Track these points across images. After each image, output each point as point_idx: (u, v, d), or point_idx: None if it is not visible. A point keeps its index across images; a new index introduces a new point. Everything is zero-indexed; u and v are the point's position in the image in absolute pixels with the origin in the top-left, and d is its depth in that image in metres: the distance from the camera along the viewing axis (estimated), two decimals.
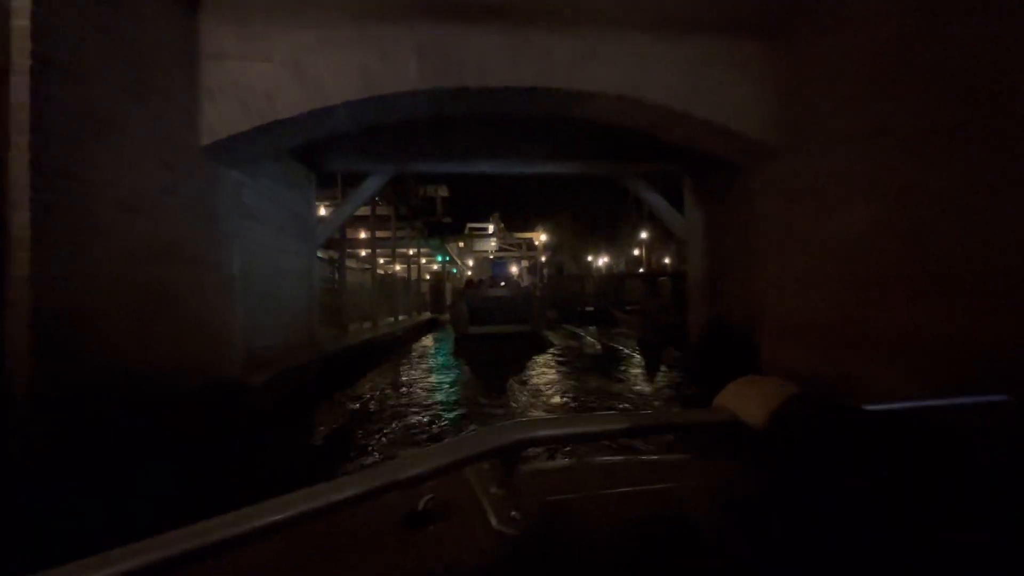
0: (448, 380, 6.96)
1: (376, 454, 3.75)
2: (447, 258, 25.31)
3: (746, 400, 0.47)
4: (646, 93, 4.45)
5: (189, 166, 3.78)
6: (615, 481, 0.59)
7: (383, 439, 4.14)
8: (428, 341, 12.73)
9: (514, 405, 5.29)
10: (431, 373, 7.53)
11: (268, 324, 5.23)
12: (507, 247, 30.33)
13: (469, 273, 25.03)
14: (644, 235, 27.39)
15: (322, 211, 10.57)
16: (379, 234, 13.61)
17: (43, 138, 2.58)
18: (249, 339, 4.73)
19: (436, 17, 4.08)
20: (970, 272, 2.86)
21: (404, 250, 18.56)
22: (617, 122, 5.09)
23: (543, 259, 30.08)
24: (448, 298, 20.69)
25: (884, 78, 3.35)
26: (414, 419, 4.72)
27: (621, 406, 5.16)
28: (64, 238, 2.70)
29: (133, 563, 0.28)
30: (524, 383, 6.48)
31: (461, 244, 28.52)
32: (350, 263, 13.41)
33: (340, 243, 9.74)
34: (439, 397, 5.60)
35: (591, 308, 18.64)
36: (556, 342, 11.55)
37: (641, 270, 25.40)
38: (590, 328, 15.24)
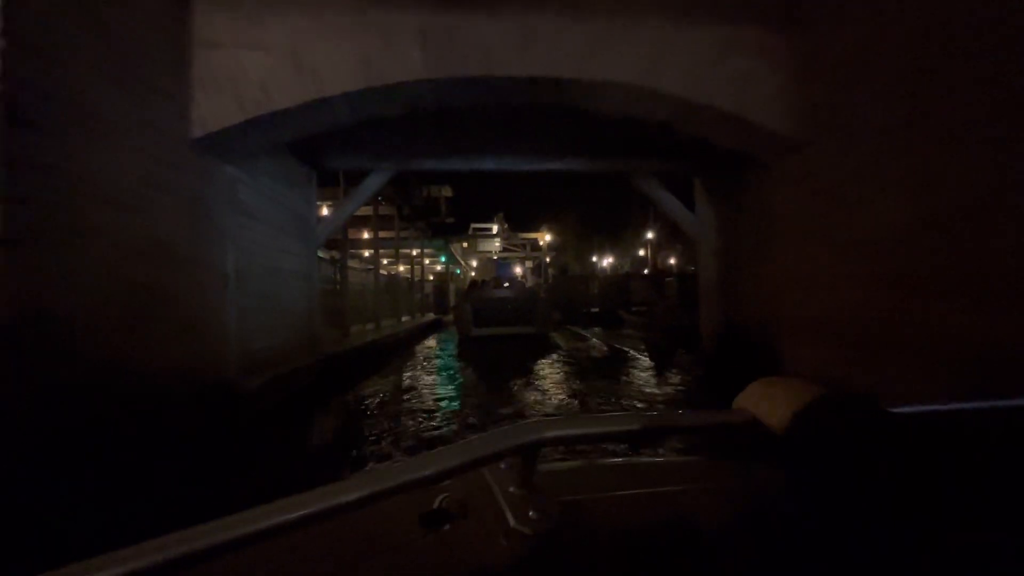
0: (452, 384, 6.74)
1: (378, 466, 3.53)
2: (451, 259, 25.14)
3: (768, 402, 0.46)
4: (662, 83, 4.21)
5: (180, 160, 3.58)
6: (631, 482, 0.59)
7: (385, 448, 3.92)
8: (432, 343, 12.52)
9: (522, 411, 5.06)
10: (435, 377, 7.31)
11: (266, 326, 5.03)
12: (511, 247, 30.15)
13: (473, 274, 24.89)
14: (650, 235, 27.10)
15: (324, 211, 10.40)
16: (382, 234, 13.44)
17: (17, 126, 2.38)
18: (246, 342, 4.53)
19: (441, 2, 3.87)
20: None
21: (407, 251, 18.40)
22: (630, 115, 4.85)
23: (547, 259, 29.86)
24: (452, 299, 20.51)
25: (926, 61, 3.10)
26: (418, 427, 4.50)
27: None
28: (41, 235, 2.50)
29: (147, 561, 0.28)
30: (531, 387, 6.25)
31: (465, 244, 28.38)
32: (352, 264, 13.26)
33: (342, 243, 9.56)
34: (443, 404, 5.38)
35: (596, 309, 18.42)
36: (562, 344, 11.31)
37: (646, 271, 25.13)
38: (596, 329, 15.00)
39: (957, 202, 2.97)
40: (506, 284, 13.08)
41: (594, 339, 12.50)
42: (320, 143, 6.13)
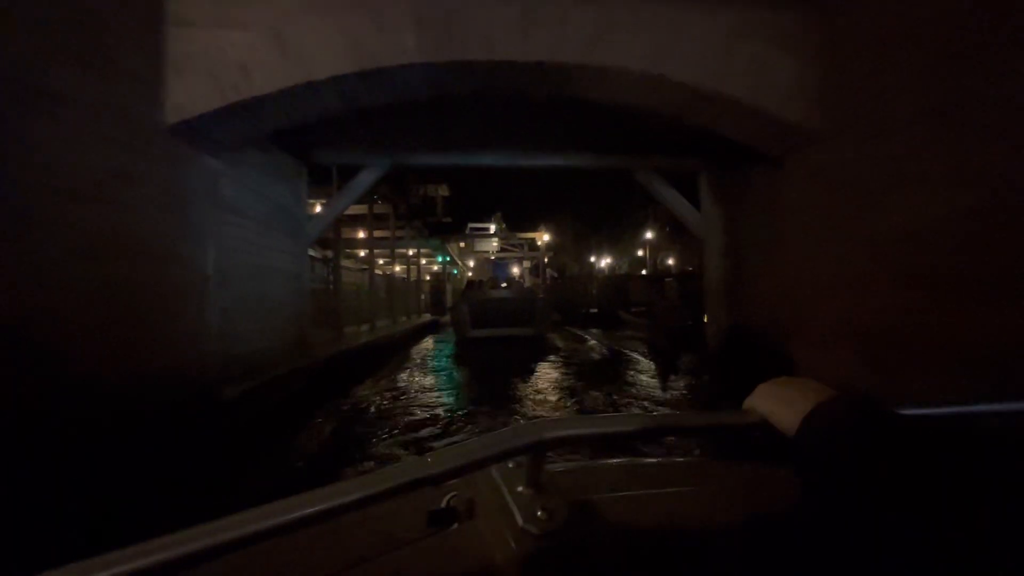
0: (450, 391, 6.46)
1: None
2: (448, 259, 24.84)
3: (777, 403, 0.45)
4: (672, 70, 3.95)
5: (153, 149, 3.28)
6: (640, 483, 0.58)
7: (379, 459, 3.64)
8: (428, 344, 12.23)
9: (522, 418, 4.78)
10: (432, 381, 7.03)
11: (251, 329, 4.74)
12: (509, 247, 29.85)
13: (470, 274, 24.61)
14: (649, 235, 26.91)
15: (317, 209, 10.10)
16: (377, 234, 13.13)
17: None
18: (228, 346, 4.23)
19: None
20: None
21: (403, 250, 18.11)
22: (637, 106, 4.59)
23: (545, 260, 29.63)
24: (449, 300, 20.22)
25: (966, 41, 2.86)
26: (415, 440, 4.22)
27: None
28: None
29: (152, 560, 0.28)
30: (533, 395, 5.98)
31: (462, 244, 28.10)
32: (347, 263, 12.97)
33: (335, 242, 9.26)
34: (440, 412, 5.09)
35: (595, 310, 18.21)
36: (561, 346, 11.05)
37: (644, 271, 24.94)
38: (595, 331, 14.76)
39: (999, 196, 2.73)
40: (504, 284, 12.78)
41: (594, 341, 12.24)
42: (310, 135, 5.84)
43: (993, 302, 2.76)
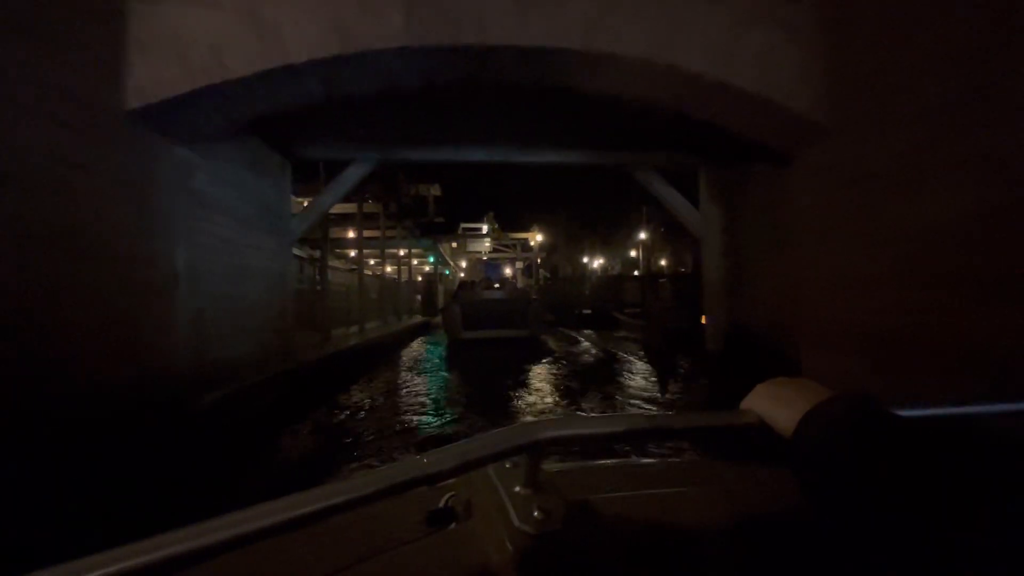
0: (441, 396, 6.19)
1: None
2: (439, 259, 24.53)
3: (775, 403, 0.44)
4: (677, 57, 3.74)
5: (110, 135, 2.98)
6: (637, 483, 0.58)
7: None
8: (419, 346, 11.92)
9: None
10: (422, 386, 6.75)
11: (228, 332, 4.43)
12: (501, 248, 29.61)
13: (462, 275, 24.33)
14: (642, 236, 26.85)
15: (304, 206, 9.76)
16: (367, 234, 12.80)
17: None
18: (201, 351, 3.93)
19: None
20: None
21: (394, 251, 17.79)
22: (638, 97, 4.37)
23: (538, 260, 29.45)
24: (441, 301, 19.92)
25: (985, 36, 2.67)
26: (404, 452, 3.95)
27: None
28: None
29: (147, 558, 0.28)
30: (528, 400, 5.74)
31: (454, 244, 27.80)
32: (336, 263, 12.62)
33: (322, 240, 8.94)
34: (431, 421, 4.83)
35: (589, 311, 18.06)
36: (555, 347, 10.82)
37: (636, 272, 24.85)
38: (589, 332, 14.57)
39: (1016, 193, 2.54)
40: (496, 285, 12.52)
41: (588, 342, 12.04)
42: (294, 128, 5.55)
43: (1018, 306, 2.57)
